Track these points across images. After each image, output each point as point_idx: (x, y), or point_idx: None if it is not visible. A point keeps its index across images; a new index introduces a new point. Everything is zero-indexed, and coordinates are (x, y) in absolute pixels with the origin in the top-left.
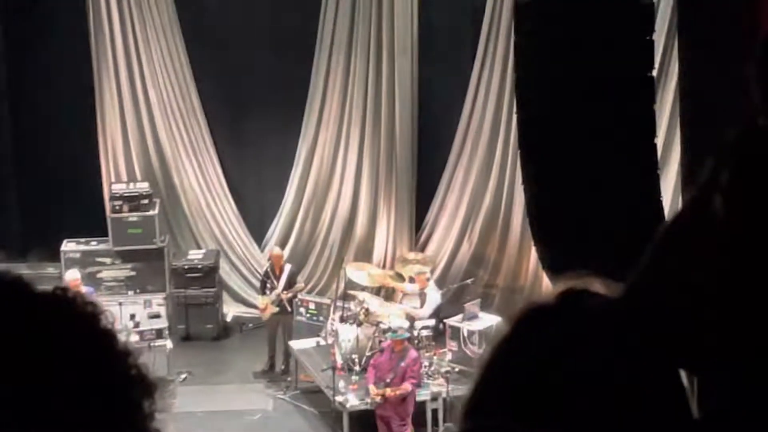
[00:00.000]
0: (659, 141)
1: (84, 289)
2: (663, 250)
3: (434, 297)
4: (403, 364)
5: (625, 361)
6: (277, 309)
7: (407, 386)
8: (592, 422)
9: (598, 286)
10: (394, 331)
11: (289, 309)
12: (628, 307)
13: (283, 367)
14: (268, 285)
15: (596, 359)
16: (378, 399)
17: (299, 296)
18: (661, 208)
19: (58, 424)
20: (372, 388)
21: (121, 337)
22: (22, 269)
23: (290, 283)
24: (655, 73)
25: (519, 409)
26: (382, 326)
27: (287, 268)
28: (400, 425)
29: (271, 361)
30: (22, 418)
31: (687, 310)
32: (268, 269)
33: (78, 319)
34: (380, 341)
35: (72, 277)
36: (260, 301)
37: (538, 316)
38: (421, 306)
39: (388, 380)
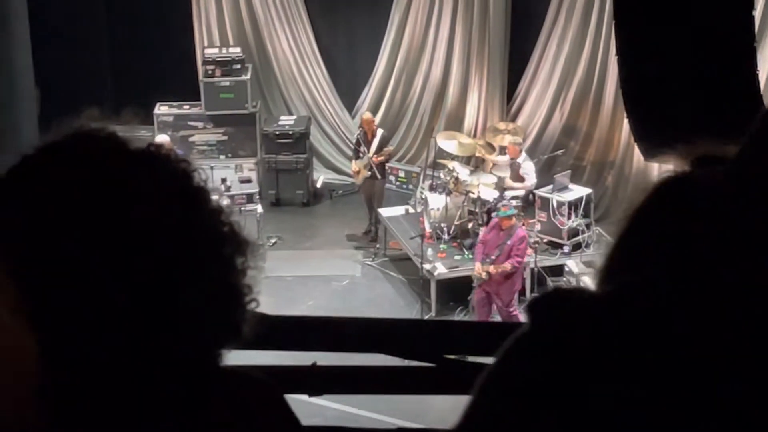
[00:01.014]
0: (757, 14)
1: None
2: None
3: (530, 165)
4: (509, 242)
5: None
6: (369, 173)
7: (507, 265)
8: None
9: (727, 149)
10: (499, 210)
11: (380, 175)
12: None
13: (372, 230)
14: (361, 150)
15: (743, 222)
16: (483, 275)
17: (389, 164)
18: (757, 82)
19: (152, 280)
20: (477, 265)
21: (214, 195)
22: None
23: (381, 148)
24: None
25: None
26: (471, 195)
27: (379, 132)
28: (506, 310)
29: (371, 225)
30: (117, 272)
31: None
32: (360, 134)
33: (172, 175)
34: (469, 210)
35: (162, 140)
36: (353, 165)
37: (677, 184)
38: (511, 175)
39: (493, 257)
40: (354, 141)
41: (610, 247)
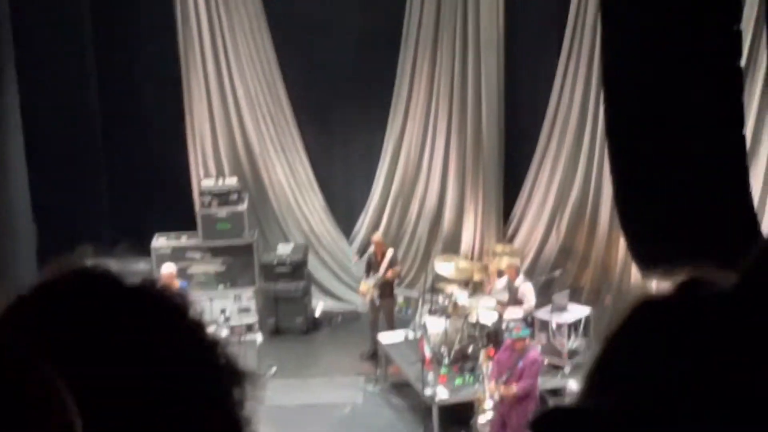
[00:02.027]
0: (748, 132)
1: (178, 282)
2: None
3: (529, 287)
4: (520, 365)
5: (749, 357)
6: (377, 293)
7: (513, 387)
8: (706, 419)
9: (715, 275)
10: (511, 331)
11: (389, 294)
12: (745, 298)
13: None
14: (372, 271)
15: (714, 353)
16: (495, 396)
17: None
18: (750, 200)
19: (149, 413)
20: (492, 385)
21: (210, 328)
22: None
23: (390, 267)
24: (743, 63)
25: (632, 403)
26: (470, 319)
27: (389, 253)
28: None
29: (374, 348)
30: (113, 408)
31: None
32: (371, 255)
33: (166, 310)
34: (468, 334)
35: (167, 270)
36: (362, 285)
37: (654, 308)
38: (509, 297)
39: (504, 378)
40: (366, 262)
41: (589, 369)
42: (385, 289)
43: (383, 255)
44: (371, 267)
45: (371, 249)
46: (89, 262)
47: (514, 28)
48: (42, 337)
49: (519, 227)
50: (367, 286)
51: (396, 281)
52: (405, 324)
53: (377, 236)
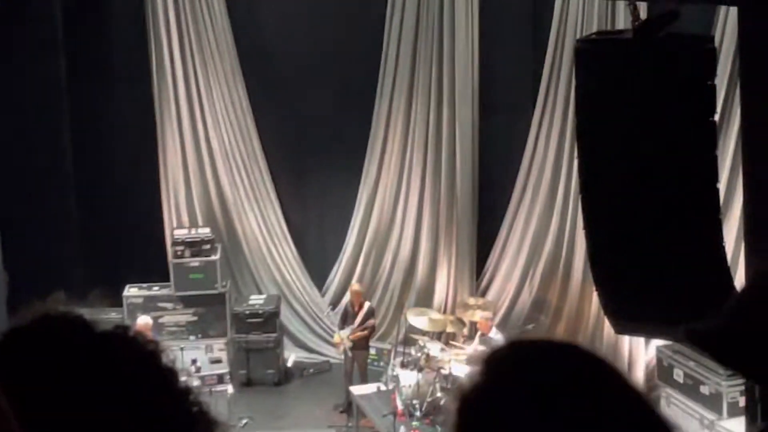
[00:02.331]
0: (721, 186)
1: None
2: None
3: (502, 340)
4: None
5: None
6: (350, 344)
7: None
8: None
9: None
10: None
11: (364, 346)
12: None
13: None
14: (348, 321)
15: None
16: None
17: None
18: (724, 255)
19: None
20: None
21: (183, 376)
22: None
23: (366, 320)
24: (717, 117)
25: None
26: (443, 371)
27: (366, 305)
28: None
29: (348, 399)
30: None
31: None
32: (348, 305)
33: (139, 357)
34: (441, 387)
35: (143, 322)
36: (336, 336)
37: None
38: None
39: None
40: (342, 312)
41: None
42: (360, 341)
43: (360, 306)
44: (347, 317)
45: (348, 299)
46: (62, 308)
47: (490, 79)
48: (12, 381)
49: (492, 280)
50: (341, 337)
51: (369, 335)
52: (377, 376)
53: (355, 286)
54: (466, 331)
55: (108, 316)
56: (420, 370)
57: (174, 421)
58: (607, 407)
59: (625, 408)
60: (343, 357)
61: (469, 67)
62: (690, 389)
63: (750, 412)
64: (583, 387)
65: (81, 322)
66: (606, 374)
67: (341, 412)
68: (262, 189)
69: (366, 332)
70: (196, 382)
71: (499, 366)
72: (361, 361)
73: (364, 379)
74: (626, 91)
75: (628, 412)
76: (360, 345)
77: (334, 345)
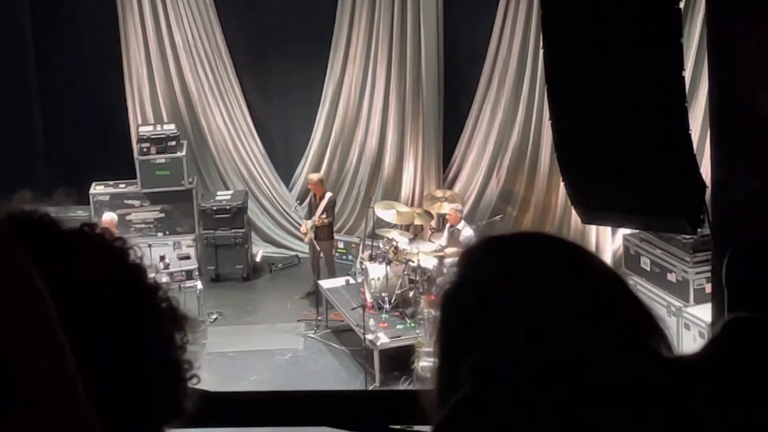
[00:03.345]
0: (687, 74)
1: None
2: None
3: (469, 232)
4: None
5: None
6: (313, 234)
7: None
8: None
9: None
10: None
11: (329, 236)
12: None
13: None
14: (313, 212)
15: None
16: None
17: None
18: (690, 141)
19: (89, 358)
20: None
21: (151, 272)
22: (49, 212)
23: (327, 210)
24: (681, 5)
25: None
26: (411, 264)
27: (327, 195)
28: None
29: (314, 287)
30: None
31: None
32: (311, 196)
33: (106, 254)
34: (410, 279)
35: (107, 218)
36: (302, 225)
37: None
38: (450, 242)
39: None
40: (307, 203)
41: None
42: (323, 230)
43: (322, 196)
44: (312, 208)
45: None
46: (27, 207)
47: None
48: None
49: (459, 172)
50: (307, 227)
51: (331, 223)
52: (345, 269)
53: (313, 176)
54: (434, 223)
55: (74, 214)
56: (388, 263)
57: (143, 317)
58: (582, 286)
59: (600, 284)
60: (309, 247)
61: None
62: (657, 277)
63: (716, 299)
64: (557, 268)
65: (47, 219)
66: (579, 256)
67: (306, 296)
68: (227, 84)
69: (327, 221)
70: (164, 279)
71: (474, 260)
72: (327, 252)
73: (331, 271)
74: None
75: (603, 288)
76: (324, 236)
77: (301, 236)
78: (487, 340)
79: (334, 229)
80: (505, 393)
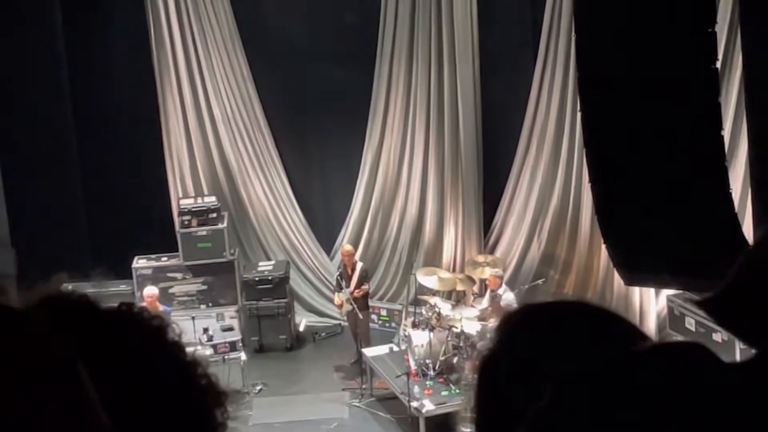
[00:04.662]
0: (726, 133)
1: (161, 307)
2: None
3: (510, 297)
4: None
5: None
6: (350, 308)
7: None
8: None
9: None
10: None
11: (362, 308)
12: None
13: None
14: (343, 283)
15: None
16: None
17: (370, 302)
18: (731, 201)
19: None
20: None
21: (190, 349)
22: (89, 288)
23: (362, 282)
24: (719, 65)
25: None
26: (454, 330)
27: (359, 266)
28: None
29: (358, 355)
30: None
31: None
32: (341, 266)
33: (144, 333)
34: (453, 345)
35: (149, 292)
36: (336, 298)
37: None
38: (492, 307)
39: None
40: (337, 274)
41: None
42: (360, 301)
43: (353, 268)
44: (343, 279)
45: (341, 262)
46: (65, 287)
47: (489, 36)
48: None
49: (500, 237)
50: (341, 299)
51: (368, 294)
52: (389, 337)
53: (346, 247)
54: (476, 288)
55: (117, 289)
56: (431, 329)
57: (182, 395)
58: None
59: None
60: (347, 318)
61: (468, 24)
62: (702, 337)
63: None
64: (595, 341)
65: (84, 301)
66: (618, 327)
67: (352, 363)
68: (266, 155)
69: (363, 291)
70: (208, 351)
71: (512, 328)
72: (362, 322)
73: (367, 340)
74: (625, 42)
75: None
76: (361, 306)
77: (337, 307)
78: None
79: (374, 297)
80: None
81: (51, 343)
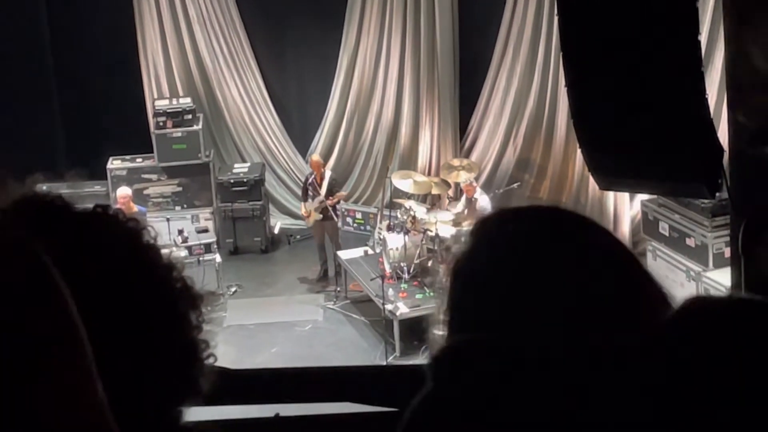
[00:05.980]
0: (703, 38)
1: (136, 208)
2: None
3: (485, 201)
4: None
5: None
6: (320, 216)
7: None
8: None
9: None
10: None
11: (334, 216)
12: None
13: (335, 272)
14: (310, 192)
15: None
16: None
17: (345, 206)
18: (706, 105)
19: (103, 342)
20: None
21: (166, 252)
22: (64, 189)
23: (332, 190)
24: None
25: None
26: (429, 233)
27: (328, 174)
28: None
29: (323, 269)
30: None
31: None
32: (309, 176)
33: (119, 235)
34: (428, 248)
35: (122, 193)
36: (302, 207)
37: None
38: (467, 211)
39: None
40: (303, 181)
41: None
42: (326, 211)
43: (322, 176)
44: (311, 189)
45: (309, 171)
46: (40, 188)
47: None
48: None
49: (476, 141)
50: (308, 209)
51: (338, 205)
52: (364, 240)
53: (315, 157)
54: (451, 192)
55: (92, 189)
56: (406, 232)
57: (157, 299)
58: (593, 262)
59: (611, 262)
60: (314, 229)
61: None
62: (676, 242)
63: (735, 263)
64: (568, 243)
65: (59, 202)
66: (591, 231)
67: (318, 280)
68: (242, 56)
69: (339, 197)
70: (183, 253)
71: (486, 232)
72: (332, 231)
73: (338, 247)
74: None
75: (614, 266)
76: (327, 216)
77: (304, 217)
78: (491, 313)
79: (350, 200)
80: (466, 392)
81: (21, 242)
